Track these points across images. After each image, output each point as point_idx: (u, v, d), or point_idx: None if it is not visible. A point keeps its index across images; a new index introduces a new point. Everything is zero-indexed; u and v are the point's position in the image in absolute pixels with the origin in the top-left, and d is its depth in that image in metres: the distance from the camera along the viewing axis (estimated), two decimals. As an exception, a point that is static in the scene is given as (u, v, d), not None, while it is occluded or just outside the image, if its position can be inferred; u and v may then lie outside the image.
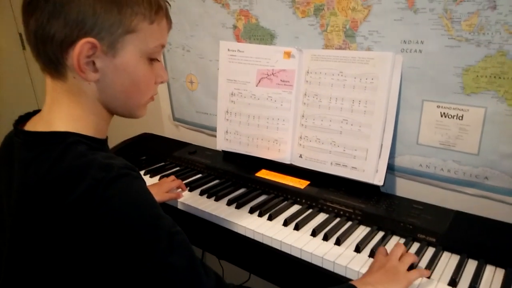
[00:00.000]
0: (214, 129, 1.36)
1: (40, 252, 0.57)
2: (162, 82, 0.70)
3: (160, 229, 0.57)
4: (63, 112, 0.62)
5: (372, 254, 0.85)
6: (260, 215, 1.02)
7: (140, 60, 0.64)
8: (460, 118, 0.96)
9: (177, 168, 1.33)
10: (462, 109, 0.96)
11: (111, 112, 0.67)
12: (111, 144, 1.52)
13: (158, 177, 1.27)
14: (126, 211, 0.55)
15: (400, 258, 0.80)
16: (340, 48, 1.10)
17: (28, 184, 0.58)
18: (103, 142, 0.67)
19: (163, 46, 0.67)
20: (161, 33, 0.65)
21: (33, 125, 0.64)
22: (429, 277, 0.79)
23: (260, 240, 0.96)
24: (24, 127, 0.65)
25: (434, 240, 0.88)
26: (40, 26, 0.58)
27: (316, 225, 0.96)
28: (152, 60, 0.66)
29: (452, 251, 0.86)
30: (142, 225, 0.56)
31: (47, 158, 0.58)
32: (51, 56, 0.59)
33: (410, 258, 0.79)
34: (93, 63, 0.60)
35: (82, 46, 0.58)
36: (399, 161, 1.08)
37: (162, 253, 0.56)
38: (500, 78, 0.89)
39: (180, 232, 0.60)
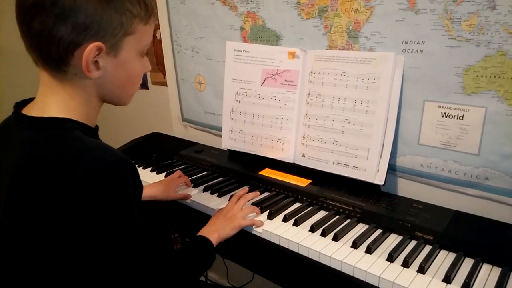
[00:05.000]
0: (221, 129, 1.39)
1: (29, 221, 0.62)
2: (145, 72, 0.77)
3: (127, 220, 0.65)
4: (58, 102, 0.68)
5: (368, 250, 0.86)
6: (261, 212, 1.03)
7: (135, 57, 0.71)
8: (461, 118, 0.97)
9: (183, 166, 1.36)
10: (462, 109, 0.96)
11: (104, 101, 0.74)
12: (121, 142, 1.58)
13: (164, 173, 1.30)
14: (105, 202, 0.62)
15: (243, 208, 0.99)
16: (344, 48, 1.12)
17: (24, 160, 0.63)
18: (94, 131, 0.73)
19: (150, 43, 0.75)
20: (151, 32, 0.73)
21: (27, 111, 0.69)
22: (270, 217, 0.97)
23: (260, 235, 0.97)
24: (21, 112, 0.70)
25: (431, 238, 0.88)
26: (45, 29, 0.62)
27: (315, 221, 0.97)
28: (141, 55, 0.73)
29: (449, 249, 0.86)
30: (114, 216, 0.63)
31: (45, 139, 0.64)
32: (55, 56, 0.64)
33: (249, 209, 0.99)
34: (96, 62, 0.66)
35: (91, 50, 0.63)
36: (401, 161, 1.09)
37: (122, 236, 0.65)
38: (500, 77, 0.89)
39: (140, 228, 0.68)
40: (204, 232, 0.90)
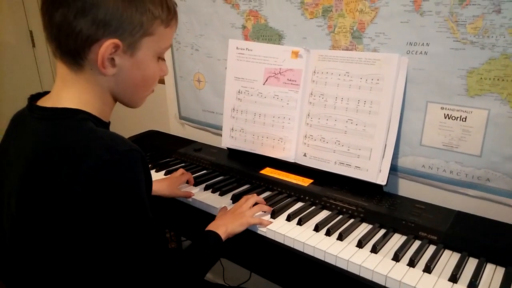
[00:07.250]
0: (220, 128, 1.38)
1: (42, 211, 0.61)
2: (163, 76, 0.77)
3: (140, 212, 0.65)
4: (72, 95, 0.68)
5: (374, 250, 0.86)
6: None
7: (152, 59, 0.71)
8: (464, 119, 0.98)
9: (182, 164, 1.35)
10: (465, 111, 0.97)
11: (116, 100, 0.74)
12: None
13: (163, 171, 1.29)
14: (119, 192, 0.62)
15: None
16: (347, 49, 1.12)
17: (37, 150, 0.63)
18: (106, 125, 0.73)
19: (170, 46, 0.74)
20: (171, 36, 0.73)
21: (42, 103, 0.69)
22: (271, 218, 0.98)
23: (263, 234, 0.97)
24: (35, 104, 0.70)
25: (435, 238, 0.89)
26: (65, 21, 0.62)
27: (319, 221, 0.97)
28: (159, 58, 0.73)
29: (453, 249, 0.87)
30: (127, 207, 0.63)
31: (58, 130, 0.64)
32: (72, 49, 0.64)
33: (257, 207, 1.00)
34: (112, 59, 0.66)
35: (107, 46, 0.63)
36: (402, 162, 1.10)
37: (134, 231, 0.64)
38: (503, 80, 0.91)
39: (153, 220, 0.67)
40: (213, 226, 0.90)
